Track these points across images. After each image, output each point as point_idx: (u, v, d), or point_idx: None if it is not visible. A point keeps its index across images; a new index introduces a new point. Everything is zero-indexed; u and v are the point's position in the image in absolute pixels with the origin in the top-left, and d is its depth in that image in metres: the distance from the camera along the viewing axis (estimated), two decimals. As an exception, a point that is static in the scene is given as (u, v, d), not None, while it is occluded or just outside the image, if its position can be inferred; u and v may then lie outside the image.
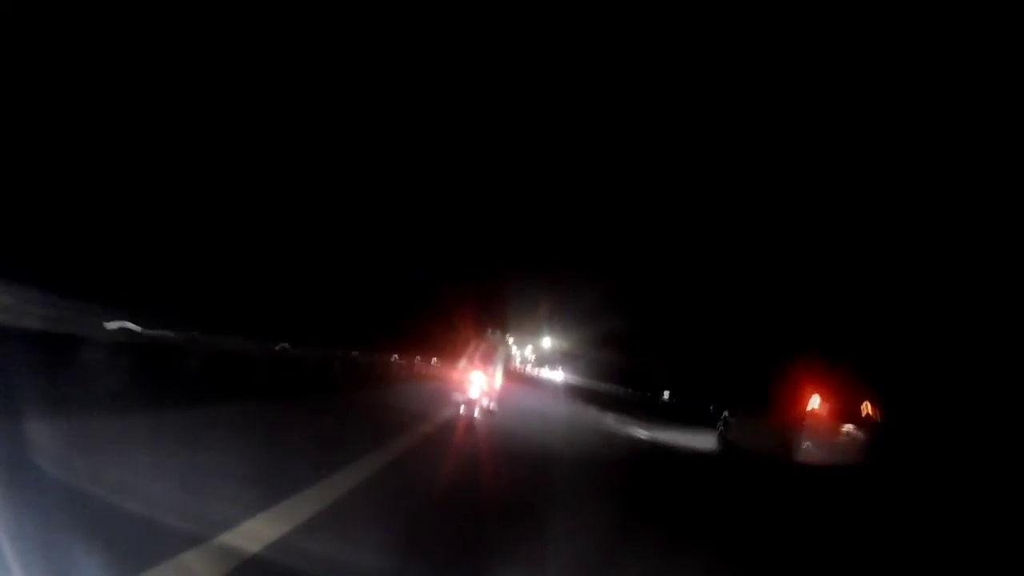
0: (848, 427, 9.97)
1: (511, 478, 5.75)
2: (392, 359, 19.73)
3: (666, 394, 33.78)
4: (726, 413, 13.11)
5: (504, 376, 9.18)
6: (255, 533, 2.89)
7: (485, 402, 8.53)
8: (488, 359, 8.75)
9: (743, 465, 10.92)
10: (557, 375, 46.78)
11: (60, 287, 6.46)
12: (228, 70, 12.41)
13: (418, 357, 23.76)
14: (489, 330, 9.10)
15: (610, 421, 16.79)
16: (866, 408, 10.16)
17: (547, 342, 51.89)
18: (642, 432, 14.53)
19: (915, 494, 8.29)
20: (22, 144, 7.91)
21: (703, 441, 13.10)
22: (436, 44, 19.49)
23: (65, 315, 6.58)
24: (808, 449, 9.79)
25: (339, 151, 17.83)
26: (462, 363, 9.12)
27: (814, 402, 10.13)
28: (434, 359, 24.90)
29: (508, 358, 9.06)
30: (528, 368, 54.23)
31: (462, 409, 8.48)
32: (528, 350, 58.96)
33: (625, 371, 41.19)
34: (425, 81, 21.57)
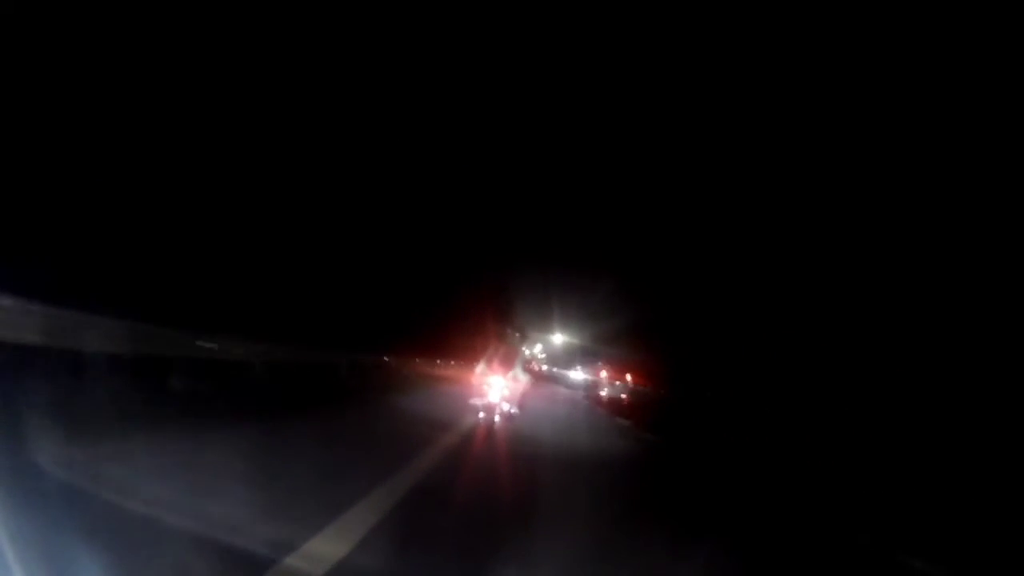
0: (618, 383, 26.15)
1: (538, 492, 5.61)
2: (405, 362, 19.60)
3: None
4: (588, 379, 31.39)
5: (525, 378, 8.98)
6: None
7: (506, 407, 8.33)
8: (508, 362, 8.54)
9: (586, 399, 26.48)
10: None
11: (60, 293, 6.24)
12: (233, 76, 12.27)
13: (437, 360, 23.66)
14: (508, 330, 8.88)
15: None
16: (628, 376, 26.03)
17: (558, 338, 50.56)
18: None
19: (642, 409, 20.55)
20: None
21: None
22: (442, 43, 19.30)
23: (66, 326, 6.40)
24: (603, 392, 26.21)
25: (345, 151, 17.70)
26: (480, 367, 8.91)
27: (603, 372, 28.69)
28: (445, 361, 24.72)
29: (527, 359, 8.86)
30: (543, 368, 52.78)
31: (481, 415, 8.28)
32: (537, 348, 57.78)
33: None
34: (433, 81, 21.39)
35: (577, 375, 38.89)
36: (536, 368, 47.22)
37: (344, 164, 17.86)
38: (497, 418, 8.21)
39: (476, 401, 8.91)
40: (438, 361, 24.55)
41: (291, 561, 2.81)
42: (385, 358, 18.70)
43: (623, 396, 25.39)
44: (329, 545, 3.08)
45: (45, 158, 8.42)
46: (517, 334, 8.97)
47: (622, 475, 7.55)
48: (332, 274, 16.68)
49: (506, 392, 8.32)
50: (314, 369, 13.49)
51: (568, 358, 47.23)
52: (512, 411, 8.45)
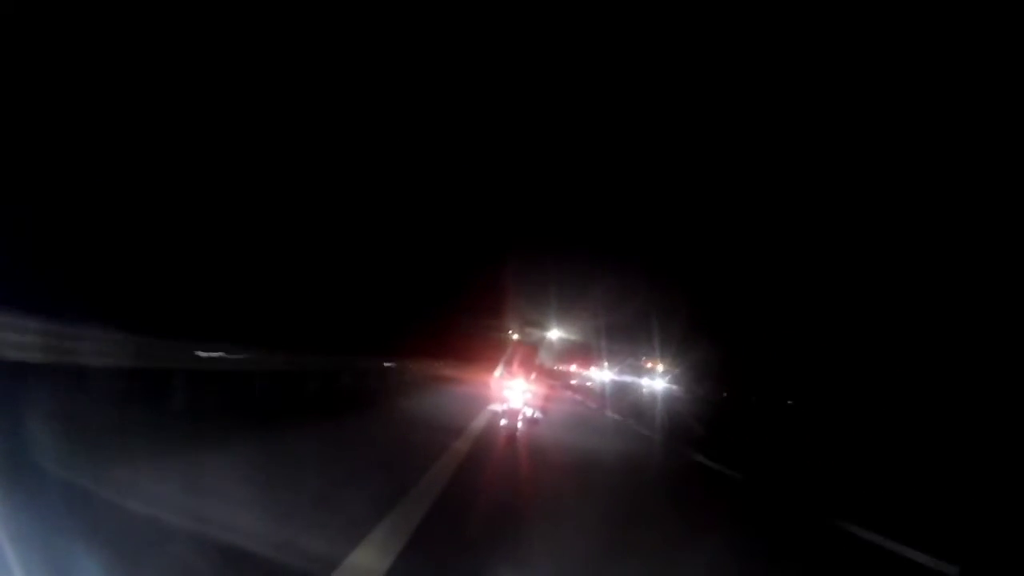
0: (584, 373, 33.71)
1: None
2: (404, 365, 19.19)
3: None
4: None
5: (544, 380, 8.62)
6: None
7: (529, 412, 7.99)
8: (529, 363, 8.18)
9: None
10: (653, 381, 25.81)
11: (50, 302, 5.88)
12: (233, 81, 11.90)
13: (435, 361, 23.24)
14: (527, 330, 8.52)
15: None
16: (592, 368, 33.56)
17: (555, 334, 50.42)
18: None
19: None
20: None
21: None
22: (441, 39, 18.95)
23: (60, 338, 6.01)
24: (573, 381, 30.84)
25: (347, 153, 17.30)
26: (498, 371, 8.55)
27: (573, 366, 36.19)
28: (452, 361, 24.32)
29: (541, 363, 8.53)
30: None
31: (503, 422, 7.93)
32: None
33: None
34: (436, 81, 21.01)
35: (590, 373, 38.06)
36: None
37: (349, 168, 17.46)
38: (520, 424, 7.87)
39: (496, 407, 8.56)
40: (439, 363, 24.13)
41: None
42: (389, 362, 18.29)
43: (588, 384, 30.44)
44: (369, 558, 2.92)
45: (42, 166, 8.02)
46: (536, 332, 8.59)
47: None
48: (334, 276, 16.27)
49: (528, 396, 7.98)
50: (318, 376, 13.13)
51: (563, 354, 47.04)
52: (536, 416, 8.12)
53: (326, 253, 16.51)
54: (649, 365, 27.39)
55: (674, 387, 24.78)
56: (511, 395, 7.98)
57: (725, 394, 23.33)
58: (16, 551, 2.00)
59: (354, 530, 3.25)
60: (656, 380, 25.40)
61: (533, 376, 8.12)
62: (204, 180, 11.42)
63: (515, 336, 9.36)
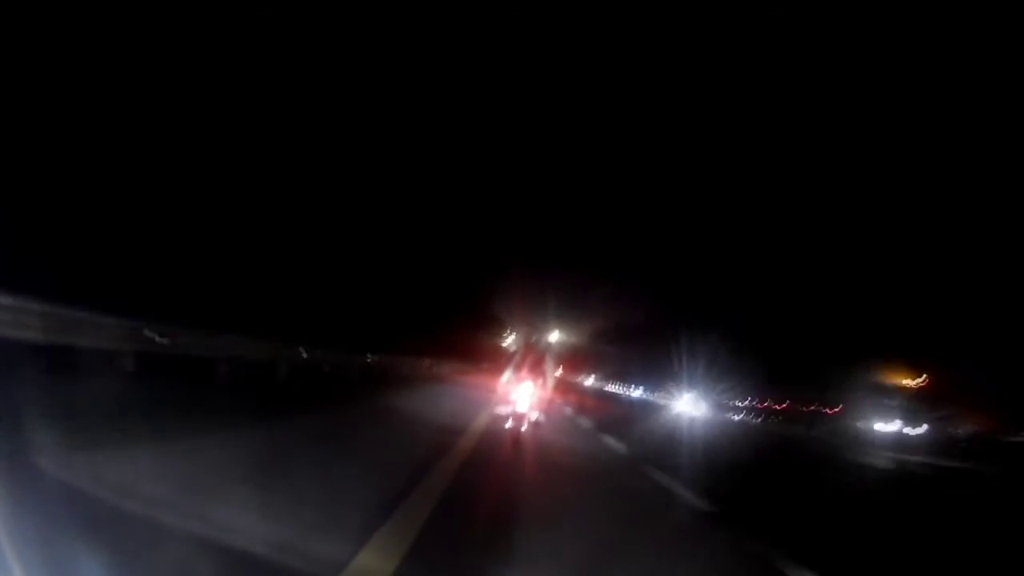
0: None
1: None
2: (400, 362, 19.12)
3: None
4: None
5: (550, 386, 8.56)
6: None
7: (534, 415, 7.94)
8: (537, 368, 8.14)
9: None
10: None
11: (55, 291, 5.90)
12: (244, 79, 11.91)
13: (427, 360, 23.19)
14: (533, 336, 8.45)
15: None
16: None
17: (555, 337, 50.48)
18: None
19: None
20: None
21: None
22: (444, 44, 18.95)
23: (66, 324, 6.00)
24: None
25: (347, 154, 17.31)
26: (506, 375, 8.52)
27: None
28: (452, 362, 24.21)
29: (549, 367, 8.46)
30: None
31: (509, 424, 7.88)
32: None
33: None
34: (443, 88, 21.01)
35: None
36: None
37: (356, 172, 17.48)
38: (524, 427, 7.82)
39: (502, 409, 8.52)
40: (429, 361, 24.07)
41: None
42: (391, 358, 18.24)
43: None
44: (376, 559, 2.88)
45: (47, 158, 8.01)
46: (542, 338, 8.52)
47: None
48: (339, 274, 16.28)
49: (534, 400, 7.94)
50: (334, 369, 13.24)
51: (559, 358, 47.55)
52: (540, 419, 8.08)
53: (335, 256, 16.57)
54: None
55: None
56: (518, 399, 7.94)
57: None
58: (16, 551, 1.98)
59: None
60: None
61: (540, 382, 8.09)
62: (230, 190, 11.47)
63: (521, 342, 9.31)
